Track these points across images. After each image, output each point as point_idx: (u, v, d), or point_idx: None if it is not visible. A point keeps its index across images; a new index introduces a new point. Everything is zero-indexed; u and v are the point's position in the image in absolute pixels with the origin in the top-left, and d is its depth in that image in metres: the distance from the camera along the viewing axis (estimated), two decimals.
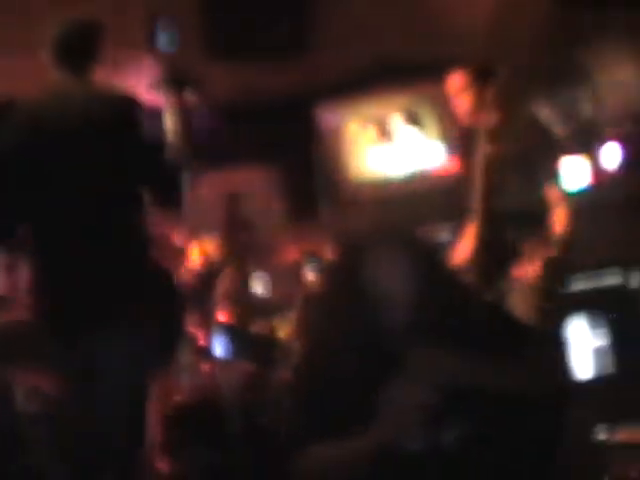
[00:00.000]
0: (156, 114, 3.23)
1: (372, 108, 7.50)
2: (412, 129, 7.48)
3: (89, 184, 3.52)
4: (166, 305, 3.69)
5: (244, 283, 5.98)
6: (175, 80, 2.98)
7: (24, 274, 6.20)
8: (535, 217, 4.57)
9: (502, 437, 2.51)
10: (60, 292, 3.66)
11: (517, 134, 4.65)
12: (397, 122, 7.49)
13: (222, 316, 5.65)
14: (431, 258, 2.75)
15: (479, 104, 4.77)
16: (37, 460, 4.77)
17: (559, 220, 4.55)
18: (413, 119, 7.44)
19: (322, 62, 6.54)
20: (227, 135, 6.93)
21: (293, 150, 7.21)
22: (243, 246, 6.56)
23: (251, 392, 5.32)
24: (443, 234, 5.71)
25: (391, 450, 2.51)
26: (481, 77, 4.79)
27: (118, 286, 3.55)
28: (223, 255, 7.15)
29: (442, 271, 2.72)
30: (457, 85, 4.85)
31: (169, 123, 2.76)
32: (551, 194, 4.59)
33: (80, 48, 3.75)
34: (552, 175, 4.64)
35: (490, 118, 4.69)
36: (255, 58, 6.59)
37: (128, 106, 3.59)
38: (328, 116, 7.49)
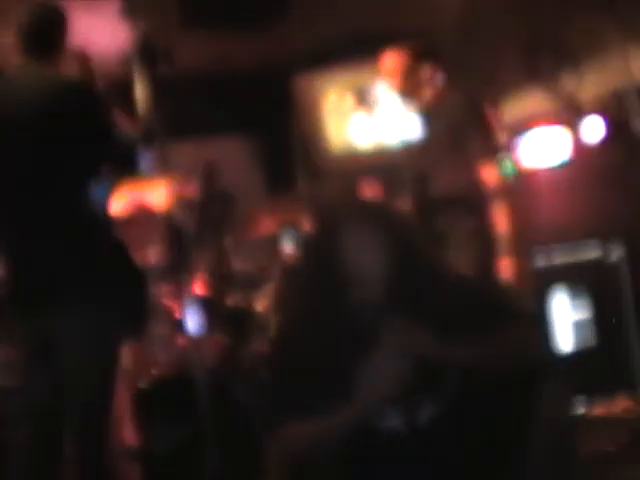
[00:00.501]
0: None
1: (351, 77, 7.42)
2: (393, 99, 7.41)
3: (37, 166, 3.55)
4: (127, 277, 3.70)
5: (221, 255, 5.91)
6: (146, 51, 2.91)
7: None
8: (468, 203, 4.50)
9: (476, 414, 2.48)
10: (16, 265, 3.70)
11: (450, 111, 4.59)
12: (381, 91, 7.41)
13: (198, 288, 5.59)
14: (406, 231, 2.69)
15: (414, 84, 4.71)
16: (12, 435, 4.76)
17: (500, 216, 4.48)
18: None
19: (300, 30, 6.47)
20: (204, 104, 6.88)
21: (271, 120, 7.15)
22: (219, 217, 6.51)
23: (226, 365, 5.28)
24: None
25: (366, 427, 2.48)
26: (418, 57, 4.72)
27: (72, 258, 3.56)
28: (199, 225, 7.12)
29: (417, 245, 2.66)
30: (392, 65, 4.76)
31: (139, 94, 2.70)
32: (488, 177, 4.52)
33: (45, 35, 3.74)
34: (486, 154, 4.56)
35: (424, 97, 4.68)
36: (232, 27, 6.51)
37: (82, 92, 3.60)
38: (306, 86, 7.42)
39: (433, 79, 4.68)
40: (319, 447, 2.50)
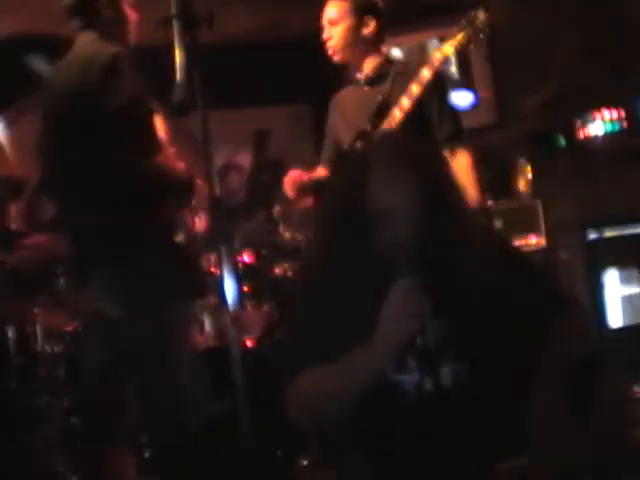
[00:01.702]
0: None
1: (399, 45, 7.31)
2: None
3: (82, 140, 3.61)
4: (178, 251, 3.80)
5: (269, 223, 5.86)
6: (185, 15, 2.86)
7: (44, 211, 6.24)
8: None
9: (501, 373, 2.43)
10: (71, 233, 3.85)
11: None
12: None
13: (246, 257, 5.56)
14: (438, 171, 2.62)
15: (354, 38, 4.42)
16: (55, 401, 4.81)
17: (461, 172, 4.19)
18: None
19: None
20: (253, 73, 6.83)
21: (321, 88, 7.07)
22: (269, 185, 6.48)
23: (272, 336, 5.26)
24: None
25: (385, 379, 2.43)
26: (360, 10, 4.41)
27: (125, 230, 3.62)
28: (248, 193, 7.09)
29: (451, 193, 2.58)
30: (334, 14, 4.44)
31: (179, 60, 2.67)
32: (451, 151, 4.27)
33: (84, 6, 3.82)
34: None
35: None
36: None
37: (110, 60, 3.62)
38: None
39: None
40: (334, 398, 2.45)
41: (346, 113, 4.54)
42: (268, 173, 6.75)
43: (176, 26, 2.81)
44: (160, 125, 3.87)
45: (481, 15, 4.38)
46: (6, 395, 4.86)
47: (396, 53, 7.13)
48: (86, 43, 3.81)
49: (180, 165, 3.87)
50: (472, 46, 4.44)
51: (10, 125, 6.46)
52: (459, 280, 2.43)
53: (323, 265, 2.58)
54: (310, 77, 5.93)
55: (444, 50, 4.37)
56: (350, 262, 2.47)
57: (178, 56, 2.73)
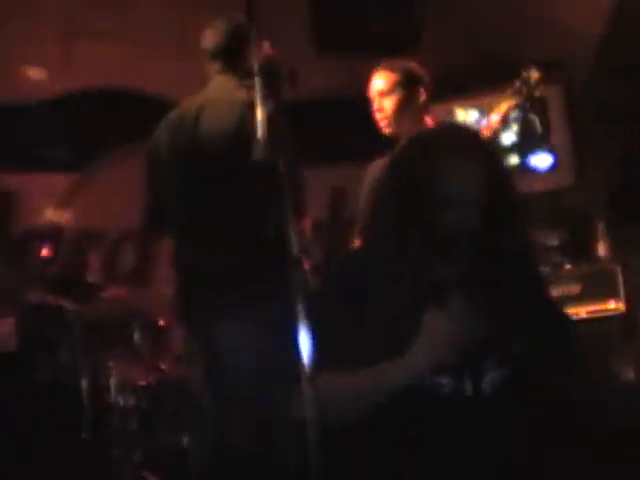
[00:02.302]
0: None
1: (478, 104, 7.28)
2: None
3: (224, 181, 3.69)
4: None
5: None
6: (270, 70, 2.87)
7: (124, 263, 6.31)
8: None
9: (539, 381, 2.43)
10: (202, 276, 3.82)
11: None
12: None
13: None
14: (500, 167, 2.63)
15: (406, 110, 4.42)
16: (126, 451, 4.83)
17: None
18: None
19: (430, 58, 6.41)
20: (334, 129, 6.84)
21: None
22: (344, 243, 6.45)
23: None
24: None
25: (422, 384, 2.38)
26: (411, 82, 4.44)
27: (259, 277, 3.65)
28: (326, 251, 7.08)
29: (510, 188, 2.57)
30: (384, 86, 4.44)
31: (260, 117, 2.66)
32: None
33: (230, 51, 3.91)
34: None
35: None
36: (363, 52, 6.48)
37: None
38: (435, 112, 7.33)
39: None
40: (356, 406, 2.38)
41: None
42: (343, 230, 6.72)
43: (258, 82, 2.82)
44: None
45: (534, 74, 4.37)
46: (79, 446, 4.88)
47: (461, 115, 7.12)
48: (230, 88, 3.86)
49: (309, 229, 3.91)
50: (551, 107, 4.43)
51: (94, 176, 6.55)
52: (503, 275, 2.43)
53: (379, 246, 2.53)
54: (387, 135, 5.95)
55: (500, 111, 4.35)
56: (405, 249, 2.43)
57: (259, 113, 2.73)
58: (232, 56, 3.88)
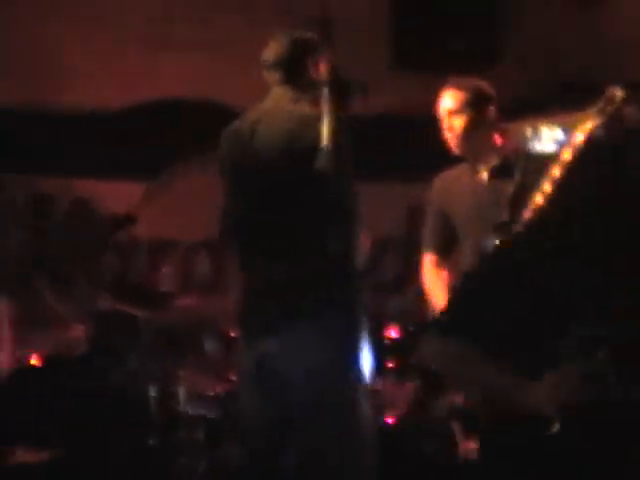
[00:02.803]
0: None
1: (552, 129, 7.18)
2: None
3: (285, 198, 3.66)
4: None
5: (418, 300, 5.78)
6: (338, 83, 2.85)
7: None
8: None
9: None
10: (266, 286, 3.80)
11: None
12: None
13: (393, 332, 5.49)
14: None
15: (477, 129, 4.32)
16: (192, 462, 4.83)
17: None
18: None
19: (510, 78, 6.37)
20: (410, 146, 6.81)
21: None
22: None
23: (416, 414, 5.17)
24: None
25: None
26: (481, 100, 4.34)
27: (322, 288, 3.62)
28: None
29: None
30: (454, 105, 4.34)
31: (326, 128, 2.64)
32: None
33: (290, 62, 3.84)
34: None
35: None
36: (440, 70, 6.46)
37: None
38: (513, 132, 7.26)
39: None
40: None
41: (464, 202, 4.44)
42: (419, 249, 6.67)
43: (326, 93, 2.79)
44: None
45: (619, 93, 4.28)
46: (145, 453, 4.90)
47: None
48: (288, 100, 3.83)
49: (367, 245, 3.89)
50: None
51: (164, 189, 6.59)
52: None
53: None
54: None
55: (584, 130, 4.27)
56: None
57: (326, 123, 2.71)
58: (292, 68, 3.81)
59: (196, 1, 6.80)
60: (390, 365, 5.16)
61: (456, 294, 2.79)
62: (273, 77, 3.88)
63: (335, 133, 2.64)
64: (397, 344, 5.32)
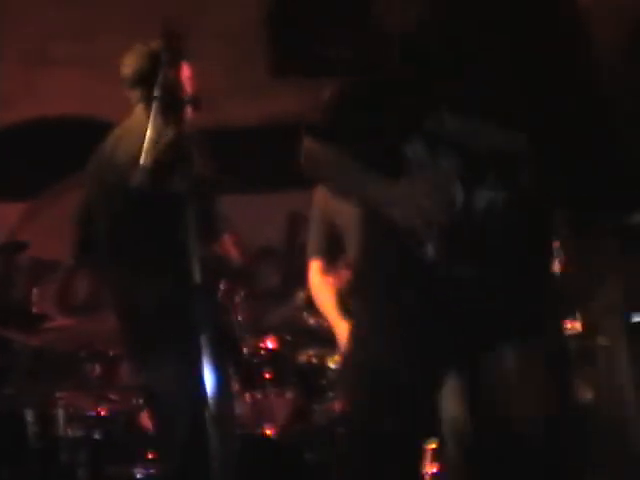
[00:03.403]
0: None
1: None
2: None
3: None
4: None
5: (295, 309, 5.79)
6: (167, 98, 2.83)
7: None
8: None
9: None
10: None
11: None
12: None
13: (270, 343, 5.47)
14: None
15: None
16: None
17: None
18: None
19: None
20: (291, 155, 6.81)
21: None
22: (301, 270, 6.41)
23: (297, 423, 5.16)
24: None
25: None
26: None
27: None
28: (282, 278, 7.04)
29: None
30: None
31: (146, 144, 2.63)
32: None
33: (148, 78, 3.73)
34: None
35: None
36: (322, 78, 6.47)
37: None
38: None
39: None
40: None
41: (348, 207, 4.47)
42: (301, 257, 6.67)
43: (154, 109, 2.78)
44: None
45: None
46: (25, 479, 4.83)
47: None
48: (147, 117, 3.80)
49: (235, 252, 3.87)
50: None
51: (45, 209, 6.52)
52: None
53: None
54: None
55: None
56: None
57: (147, 139, 2.69)
58: (150, 84, 3.80)
59: (77, 17, 6.72)
60: (267, 376, 5.13)
61: None
62: (134, 94, 3.87)
63: (156, 149, 2.63)
64: (274, 354, 5.29)
